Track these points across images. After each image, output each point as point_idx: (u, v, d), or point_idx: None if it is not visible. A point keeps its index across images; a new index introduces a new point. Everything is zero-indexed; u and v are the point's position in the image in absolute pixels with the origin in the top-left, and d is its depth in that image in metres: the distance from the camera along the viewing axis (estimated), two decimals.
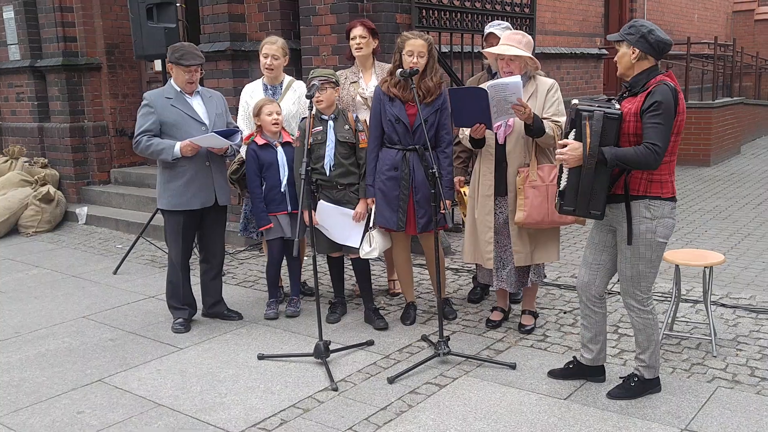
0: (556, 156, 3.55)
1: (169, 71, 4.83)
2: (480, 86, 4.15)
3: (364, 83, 5.10)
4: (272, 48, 5.11)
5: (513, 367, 4.10)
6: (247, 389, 3.98)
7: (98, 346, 4.71)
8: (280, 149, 4.91)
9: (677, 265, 4.36)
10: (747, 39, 18.55)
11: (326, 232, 4.76)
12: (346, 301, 5.18)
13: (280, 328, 4.89)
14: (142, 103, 4.78)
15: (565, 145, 3.47)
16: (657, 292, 5.08)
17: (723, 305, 4.96)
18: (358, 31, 5.00)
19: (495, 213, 4.44)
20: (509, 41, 4.25)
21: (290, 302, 5.16)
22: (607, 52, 11.66)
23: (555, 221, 4.28)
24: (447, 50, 7.01)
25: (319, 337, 4.25)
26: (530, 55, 4.25)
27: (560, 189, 3.60)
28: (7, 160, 8.99)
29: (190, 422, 3.64)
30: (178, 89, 4.76)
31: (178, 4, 6.77)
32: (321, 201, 4.73)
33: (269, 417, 3.66)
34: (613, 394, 3.73)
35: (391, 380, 3.98)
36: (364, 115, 4.92)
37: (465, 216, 4.91)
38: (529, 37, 4.34)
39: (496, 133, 4.32)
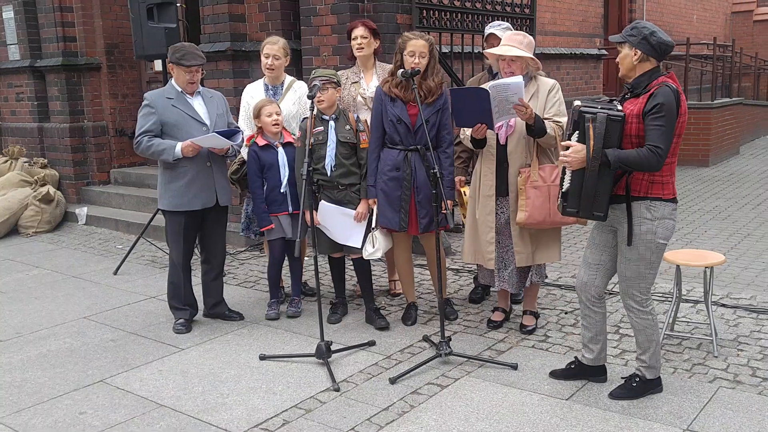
0: (560, 159, 3.56)
1: (170, 71, 4.83)
2: (482, 86, 4.16)
3: (365, 83, 5.10)
4: (273, 48, 5.11)
5: (515, 367, 4.10)
6: (249, 390, 3.98)
7: (99, 346, 4.71)
8: (280, 150, 4.91)
9: (678, 266, 4.37)
10: (746, 39, 18.56)
11: (328, 233, 4.76)
12: (347, 301, 5.19)
13: (281, 328, 4.90)
14: (143, 103, 4.78)
15: (567, 148, 3.48)
16: (658, 293, 5.09)
17: (723, 305, 4.96)
18: (359, 31, 5.00)
19: (496, 213, 4.44)
20: (511, 42, 4.25)
21: (291, 303, 5.16)
22: (606, 53, 11.66)
23: (556, 221, 4.29)
24: (447, 50, 7.01)
25: (320, 338, 4.25)
26: (531, 55, 4.26)
27: (563, 191, 3.61)
28: (6, 161, 8.98)
29: (192, 423, 3.64)
30: (179, 89, 4.76)
31: (178, 4, 6.77)
32: (322, 201, 4.73)
33: (271, 417, 3.66)
34: (614, 395, 3.73)
35: (392, 381, 3.99)
36: (365, 116, 4.93)
37: (465, 216, 4.91)
38: (531, 37, 4.35)
39: (497, 134, 4.33)
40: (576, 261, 6.10)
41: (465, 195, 4.89)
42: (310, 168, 4.23)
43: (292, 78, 5.39)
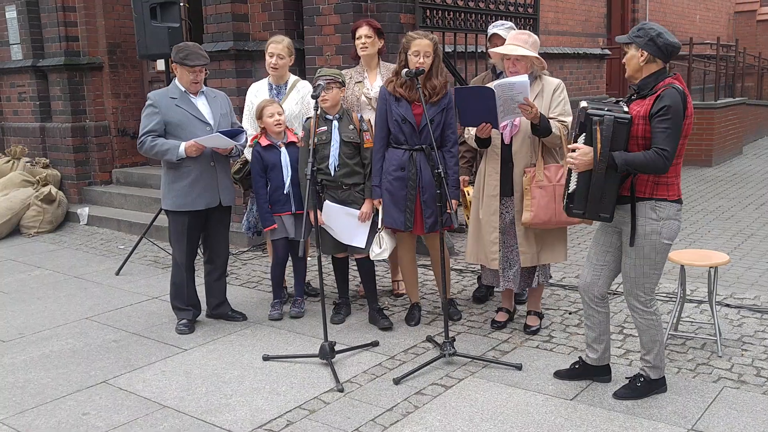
0: (567, 161, 3.55)
1: (173, 71, 4.82)
2: (487, 85, 4.15)
3: (369, 83, 5.09)
4: (278, 47, 5.10)
5: (519, 367, 4.09)
6: (252, 390, 3.98)
7: (102, 347, 4.70)
8: (283, 150, 4.90)
9: (682, 266, 4.36)
10: (749, 39, 18.53)
11: (332, 232, 4.75)
12: (351, 301, 5.17)
13: (284, 328, 4.89)
14: (147, 103, 4.77)
15: (574, 149, 3.47)
16: (662, 293, 5.07)
17: (727, 305, 4.95)
18: (363, 30, 4.99)
19: (501, 213, 4.43)
20: (516, 41, 4.24)
21: (294, 303, 5.15)
22: (609, 53, 11.64)
23: (562, 221, 4.27)
24: (451, 50, 7.00)
25: (324, 338, 4.24)
26: (536, 55, 4.24)
27: (569, 192, 3.60)
28: (8, 161, 8.97)
29: (196, 424, 3.63)
30: (183, 89, 4.75)
31: (181, 4, 6.76)
32: (326, 201, 4.72)
33: (275, 418, 3.65)
34: (619, 395, 3.72)
35: (396, 381, 3.98)
36: (369, 116, 4.91)
37: (468, 216, 4.90)
38: (535, 37, 4.33)
39: (501, 133, 4.32)
40: (580, 261, 6.08)
41: (468, 195, 4.88)
42: (314, 168, 4.22)
43: (297, 77, 5.38)
